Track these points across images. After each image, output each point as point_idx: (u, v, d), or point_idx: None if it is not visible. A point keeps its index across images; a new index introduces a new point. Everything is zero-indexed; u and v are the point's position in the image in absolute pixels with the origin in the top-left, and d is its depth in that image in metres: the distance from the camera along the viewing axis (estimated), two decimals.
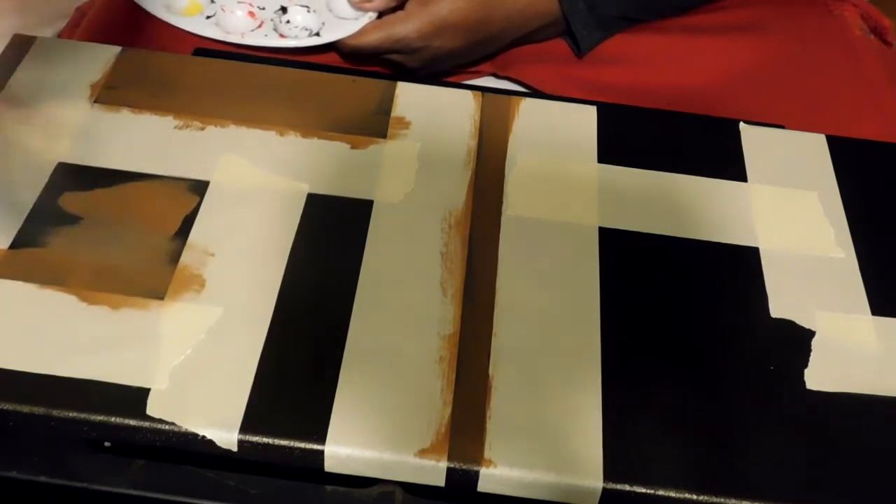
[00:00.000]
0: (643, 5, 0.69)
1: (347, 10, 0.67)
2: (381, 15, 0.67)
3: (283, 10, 0.66)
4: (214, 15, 0.65)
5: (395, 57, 0.68)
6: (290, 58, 0.65)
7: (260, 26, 0.65)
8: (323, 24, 0.66)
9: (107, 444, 0.43)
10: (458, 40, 0.67)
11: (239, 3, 0.66)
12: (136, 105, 0.53)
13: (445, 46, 0.67)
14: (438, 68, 0.70)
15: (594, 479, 0.40)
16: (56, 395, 0.41)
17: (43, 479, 0.43)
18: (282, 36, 0.65)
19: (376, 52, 0.67)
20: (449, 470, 0.40)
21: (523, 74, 0.71)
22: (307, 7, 0.66)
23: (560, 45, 0.71)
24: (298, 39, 0.65)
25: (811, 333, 0.47)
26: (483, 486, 0.41)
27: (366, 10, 0.66)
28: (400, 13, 0.66)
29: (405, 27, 0.65)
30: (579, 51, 0.70)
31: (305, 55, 0.67)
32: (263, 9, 0.66)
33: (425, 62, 0.68)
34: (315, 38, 0.65)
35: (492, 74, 0.73)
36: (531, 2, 0.68)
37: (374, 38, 0.66)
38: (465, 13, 0.66)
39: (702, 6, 0.71)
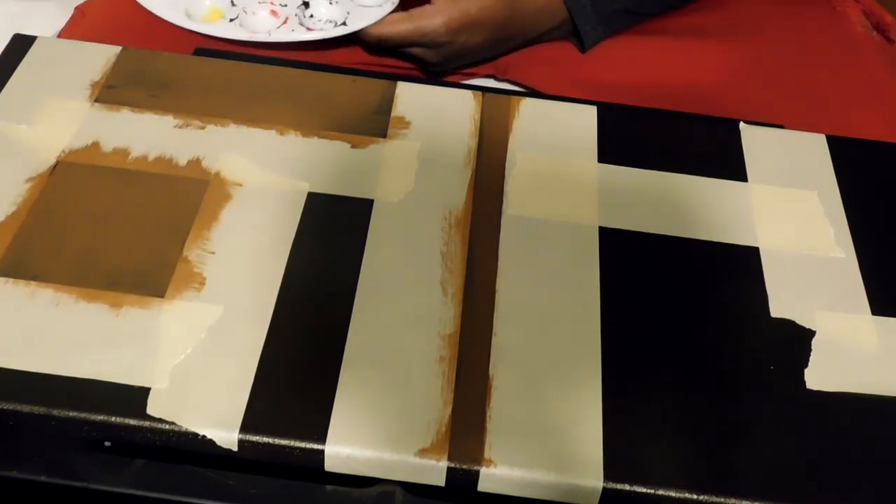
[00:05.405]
0: None
1: None
2: (402, 2, 0.67)
3: (306, 4, 0.66)
4: (237, 18, 0.65)
5: (416, 51, 0.67)
6: (289, 56, 0.65)
7: (284, 23, 0.65)
8: (347, 13, 0.66)
9: (107, 443, 0.43)
10: (481, 37, 0.67)
11: (260, 3, 0.66)
12: (136, 105, 0.53)
13: (469, 43, 0.67)
14: (456, 65, 0.70)
15: (594, 479, 0.40)
16: (56, 395, 0.41)
17: (43, 479, 0.43)
18: (308, 29, 0.65)
19: (401, 45, 0.67)
20: (449, 470, 0.40)
21: (522, 76, 0.71)
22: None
23: (559, 48, 0.71)
24: (325, 31, 0.64)
25: (811, 333, 0.47)
26: (483, 485, 0.41)
27: None
28: (428, 7, 0.66)
29: (433, 21, 0.65)
30: (583, 47, 0.70)
31: (332, 47, 0.66)
32: (285, 6, 0.66)
33: (446, 57, 0.68)
34: (342, 27, 0.65)
35: (490, 76, 0.73)
36: (546, 3, 0.68)
37: (401, 29, 0.66)
38: (493, 11, 0.67)
39: None
